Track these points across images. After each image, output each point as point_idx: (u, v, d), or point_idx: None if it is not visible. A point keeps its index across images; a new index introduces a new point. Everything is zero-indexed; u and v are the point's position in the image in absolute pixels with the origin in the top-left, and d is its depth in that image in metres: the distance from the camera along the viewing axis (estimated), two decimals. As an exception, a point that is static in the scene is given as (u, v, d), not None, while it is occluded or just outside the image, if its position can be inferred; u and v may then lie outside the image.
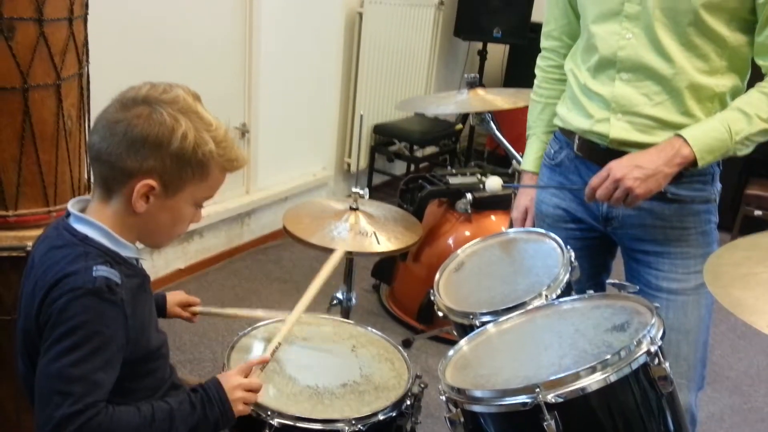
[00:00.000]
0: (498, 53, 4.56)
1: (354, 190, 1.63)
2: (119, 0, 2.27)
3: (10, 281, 1.48)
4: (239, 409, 1.03)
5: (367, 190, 1.64)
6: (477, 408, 0.88)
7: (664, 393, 0.85)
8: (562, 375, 0.81)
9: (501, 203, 2.45)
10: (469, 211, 2.49)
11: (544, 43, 1.54)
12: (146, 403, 0.97)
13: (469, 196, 2.47)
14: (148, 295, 1.10)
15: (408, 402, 1.21)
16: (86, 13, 1.53)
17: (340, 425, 1.12)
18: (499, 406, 0.84)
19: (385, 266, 2.82)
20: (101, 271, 0.94)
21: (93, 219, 1.00)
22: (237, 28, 2.81)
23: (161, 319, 1.22)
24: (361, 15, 3.38)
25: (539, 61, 1.56)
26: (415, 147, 3.79)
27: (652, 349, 0.84)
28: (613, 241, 1.44)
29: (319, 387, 1.21)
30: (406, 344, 2.47)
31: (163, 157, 0.95)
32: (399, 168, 4.08)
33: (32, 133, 1.44)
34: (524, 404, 0.80)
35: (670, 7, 1.21)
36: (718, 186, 1.36)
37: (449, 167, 3.89)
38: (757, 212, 3.67)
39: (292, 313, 1.24)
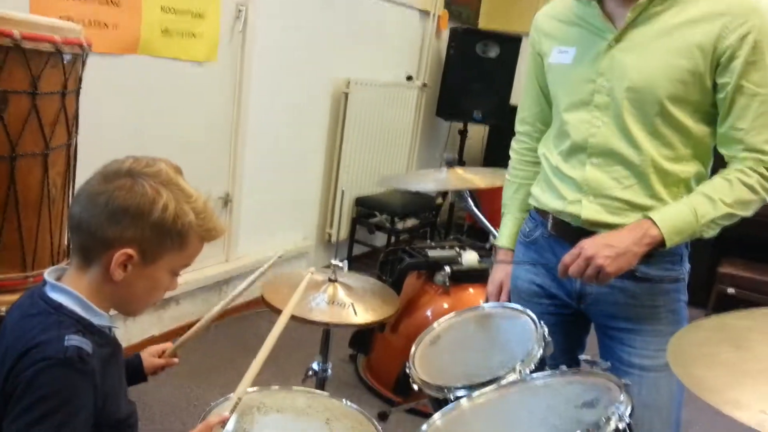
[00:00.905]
0: (478, 133, 4.73)
1: (333, 261, 1.66)
2: (111, 74, 2.34)
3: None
4: None
5: (346, 261, 1.67)
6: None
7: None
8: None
9: (478, 277, 2.48)
10: (448, 283, 2.51)
11: (518, 127, 1.62)
12: None
13: (447, 269, 2.50)
14: (119, 364, 1.10)
15: (381, 479, 1.19)
16: (79, 88, 1.59)
17: (311, 502, 1.09)
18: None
19: (363, 337, 2.81)
20: (73, 340, 0.94)
21: (69, 287, 1.01)
22: (227, 102, 2.90)
23: (138, 386, 1.21)
24: (347, 95, 3.50)
25: (514, 144, 1.63)
26: (396, 219, 3.84)
27: (620, 426, 0.85)
28: (587, 318, 1.47)
29: (291, 462, 1.19)
30: (383, 417, 2.43)
31: (143, 227, 0.98)
32: (380, 239, 4.12)
33: (16, 199, 1.47)
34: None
35: (637, 98, 1.29)
36: (687, 266, 1.41)
37: (429, 240, 3.94)
38: (731, 290, 3.74)
39: (251, 367, 1.23)
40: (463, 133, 4.42)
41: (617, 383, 0.95)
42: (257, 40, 2.92)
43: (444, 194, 4.24)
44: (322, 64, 3.39)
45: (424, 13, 4.14)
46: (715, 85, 1.26)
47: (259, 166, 3.13)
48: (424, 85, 4.23)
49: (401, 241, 3.89)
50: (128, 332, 2.65)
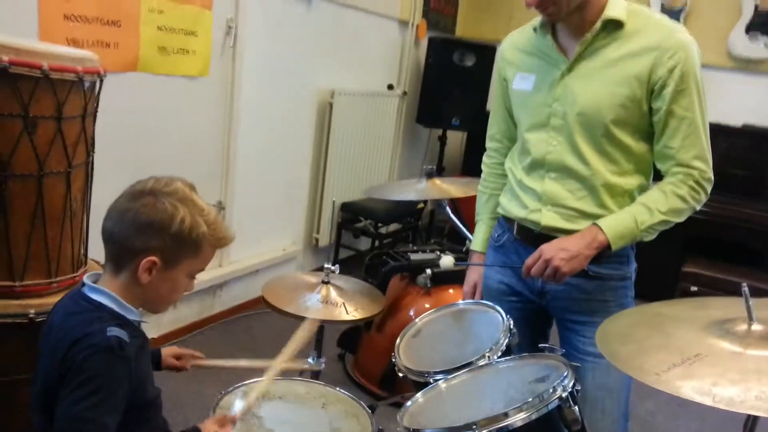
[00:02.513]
0: (457, 139, 4.94)
1: (326, 266, 1.85)
2: (113, 90, 2.50)
3: (11, 346, 1.63)
4: None
5: (337, 266, 1.86)
6: (428, 445, 1.08)
7: (573, 428, 1.06)
8: (494, 414, 1.02)
9: (457, 278, 2.68)
10: (429, 285, 2.71)
11: (488, 144, 1.82)
12: None
13: (428, 271, 2.70)
14: (147, 353, 1.29)
15: (372, 452, 1.39)
16: (96, 110, 1.76)
17: (313, 471, 1.29)
18: (445, 442, 1.05)
19: (350, 336, 3.00)
20: (114, 331, 1.13)
21: (105, 289, 1.20)
22: (219, 114, 3.07)
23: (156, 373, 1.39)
24: (331, 105, 3.70)
25: (485, 159, 1.84)
26: (379, 224, 4.04)
27: (564, 394, 1.06)
28: (548, 312, 1.68)
29: (294, 438, 1.39)
30: (371, 410, 2.62)
31: (164, 238, 1.17)
32: (364, 243, 4.32)
33: (43, 213, 1.63)
34: (463, 440, 1.01)
35: (586, 121, 1.50)
36: (634, 265, 1.62)
37: (411, 244, 4.14)
38: (693, 288, 4.00)
39: (265, 375, 1.42)
40: (443, 140, 4.63)
41: (564, 363, 1.15)
42: (246, 54, 3.10)
43: (425, 200, 4.46)
44: (308, 75, 3.58)
45: (403, 23, 4.35)
46: (650, 109, 1.47)
47: (250, 175, 3.31)
48: (404, 93, 4.44)
49: (385, 245, 4.09)
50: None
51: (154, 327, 2.97)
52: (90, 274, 1.26)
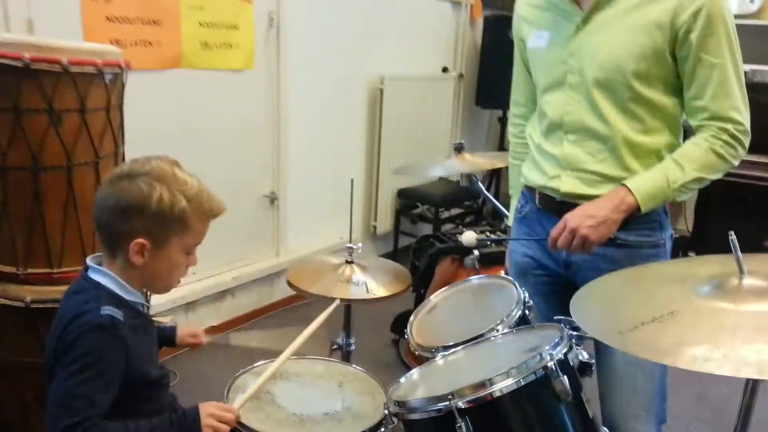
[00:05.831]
0: (519, 119, 4.78)
1: (348, 245, 1.83)
2: (158, 87, 2.60)
3: (46, 329, 1.72)
4: None
5: (360, 244, 1.83)
6: (413, 416, 1.03)
7: (563, 400, 0.98)
8: (473, 383, 0.96)
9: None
10: (477, 266, 2.62)
11: (512, 110, 1.72)
12: (134, 421, 1.15)
13: (476, 252, 2.62)
14: (150, 335, 1.30)
15: (383, 429, 1.35)
16: (122, 103, 1.82)
17: (317, 447, 1.27)
18: (423, 413, 1.00)
19: (404, 321, 2.96)
20: (107, 310, 1.15)
21: (106, 269, 1.22)
22: (267, 106, 3.13)
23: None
24: (381, 91, 3.66)
25: (510, 128, 1.74)
26: (440, 209, 3.96)
27: (550, 363, 0.98)
28: (575, 284, 1.57)
29: (303, 415, 1.37)
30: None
31: (146, 219, 1.16)
32: (425, 230, 4.26)
33: (74, 203, 1.71)
34: (439, 410, 0.95)
35: (605, 76, 1.38)
36: (669, 232, 1.49)
37: (460, 226, 4.03)
38: None
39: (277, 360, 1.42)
40: (503, 121, 4.49)
41: (561, 332, 1.07)
42: (291, 44, 3.13)
43: (490, 180, 4.36)
44: (356, 62, 3.57)
45: (456, 3, 4.24)
46: (675, 59, 1.34)
47: (302, 165, 3.35)
48: (461, 75, 4.33)
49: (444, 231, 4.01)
50: (190, 322, 2.92)
51: (213, 315, 3.07)
52: (93, 256, 1.29)
